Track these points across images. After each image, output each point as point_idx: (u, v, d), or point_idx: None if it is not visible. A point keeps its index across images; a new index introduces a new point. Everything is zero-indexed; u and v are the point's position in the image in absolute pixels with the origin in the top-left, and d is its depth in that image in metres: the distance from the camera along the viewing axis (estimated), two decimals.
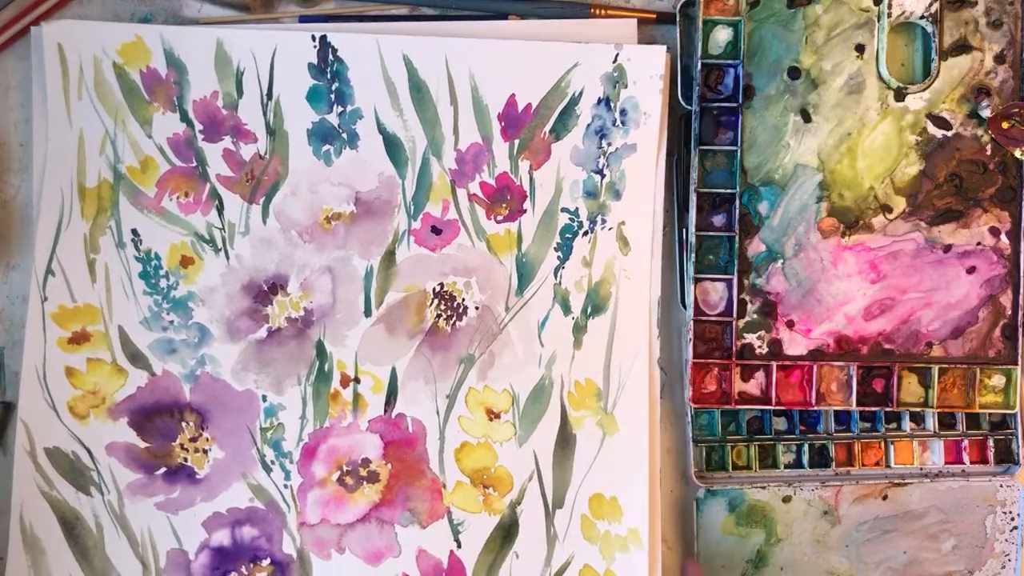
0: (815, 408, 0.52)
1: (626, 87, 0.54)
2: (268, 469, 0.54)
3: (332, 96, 0.55)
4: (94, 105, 0.54)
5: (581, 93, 0.54)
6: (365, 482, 0.54)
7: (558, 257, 0.55)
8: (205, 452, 0.54)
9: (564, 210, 0.55)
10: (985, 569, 0.53)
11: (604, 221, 0.55)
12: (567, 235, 0.55)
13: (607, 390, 0.54)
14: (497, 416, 0.55)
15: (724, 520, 0.54)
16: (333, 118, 0.55)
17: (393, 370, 0.55)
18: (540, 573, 0.54)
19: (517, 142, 0.55)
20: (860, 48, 0.50)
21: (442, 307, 0.55)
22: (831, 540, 0.53)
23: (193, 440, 0.54)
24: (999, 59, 0.49)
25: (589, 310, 0.55)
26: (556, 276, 0.55)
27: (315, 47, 0.54)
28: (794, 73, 0.51)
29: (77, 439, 0.53)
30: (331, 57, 0.54)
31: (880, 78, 0.50)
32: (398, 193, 0.55)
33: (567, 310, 0.55)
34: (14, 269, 0.56)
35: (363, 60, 0.54)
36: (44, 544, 0.52)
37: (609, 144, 0.55)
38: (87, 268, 0.54)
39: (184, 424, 0.54)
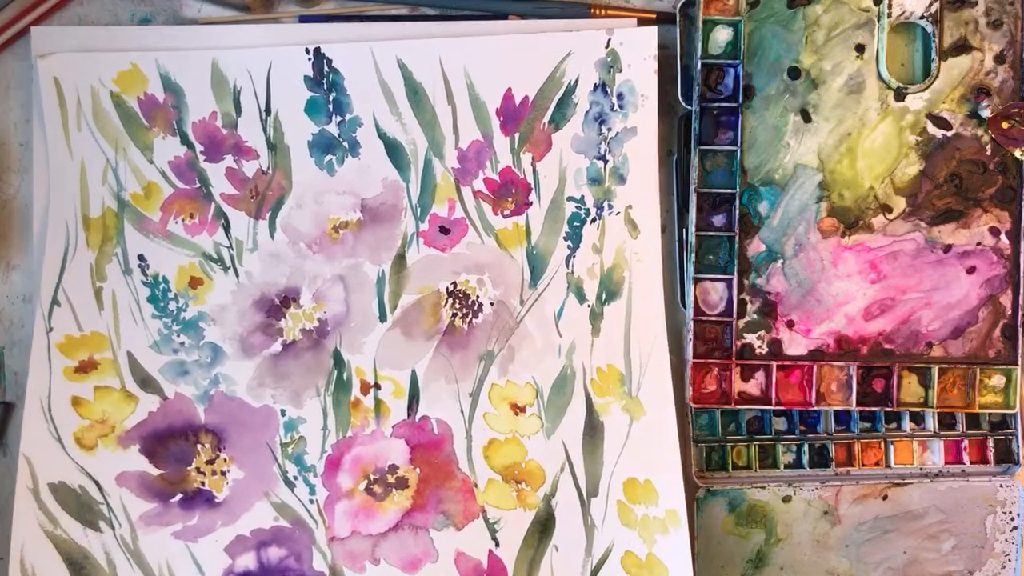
0: (815, 408, 0.44)
1: (620, 71, 0.46)
2: (291, 485, 0.43)
3: (330, 106, 0.46)
4: (94, 136, 0.45)
5: (577, 81, 0.46)
6: (394, 489, 0.43)
7: (568, 246, 0.46)
8: (223, 474, 0.43)
9: (570, 199, 0.46)
10: (985, 569, 0.45)
11: (611, 206, 0.46)
12: (575, 223, 0.46)
13: (630, 374, 0.45)
14: (522, 410, 0.45)
15: (724, 520, 0.46)
16: (333, 128, 0.46)
17: (413, 373, 0.45)
18: (582, 564, 0.44)
19: (517, 135, 0.46)
20: (860, 48, 0.43)
21: (457, 306, 0.45)
22: (831, 540, 0.45)
23: (210, 462, 0.43)
24: (999, 59, 0.43)
25: (604, 296, 0.46)
26: (568, 265, 0.46)
27: (310, 59, 0.46)
28: (794, 73, 0.44)
29: (84, 471, 0.43)
30: (326, 68, 0.46)
31: (880, 78, 0.43)
32: (403, 196, 0.46)
33: (582, 298, 0.46)
34: (14, 269, 0.47)
35: (358, 68, 0.46)
36: None
37: (609, 129, 0.46)
38: (94, 296, 0.44)
39: (200, 446, 0.44)
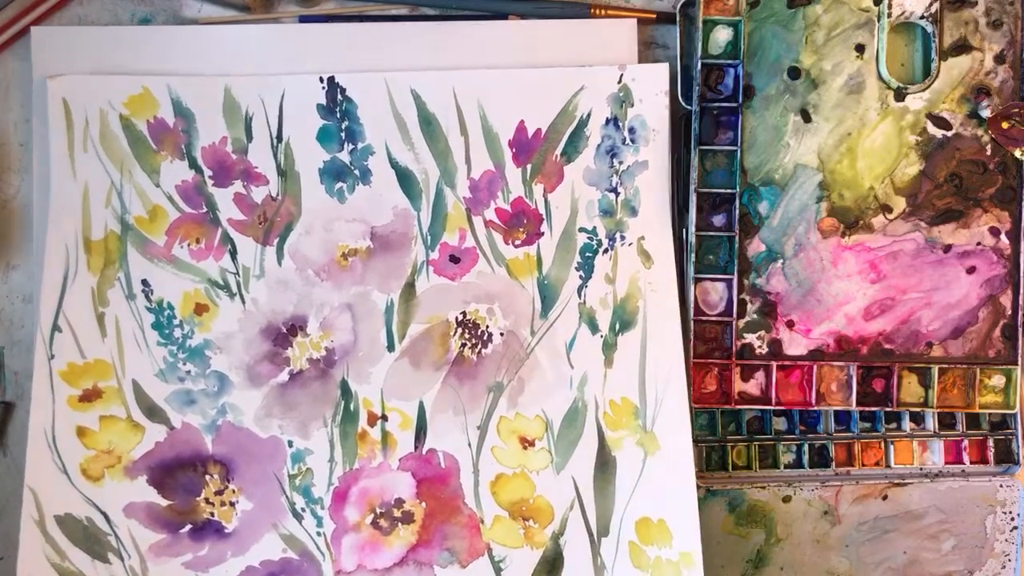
0: (815, 408, 0.43)
1: (632, 106, 0.44)
2: (299, 517, 0.42)
3: (343, 135, 0.44)
4: (99, 158, 0.43)
5: (589, 115, 0.44)
6: (400, 523, 0.42)
7: (580, 276, 0.44)
8: (232, 505, 0.42)
9: (582, 230, 0.44)
10: (985, 569, 0.44)
11: (623, 237, 0.44)
12: (587, 254, 0.44)
13: (644, 407, 0.43)
14: (531, 444, 0.43)
15: (724, 520, 0.45)
16: (344, 156, 0.44)
17: (421, 404, 0.43)
18: None
19: (529, 167, 0.44)
20: (860, 48, 0.42)
21: (466, 336, 0.44)
22: (831, 540, 0.44)
23: (219, 493, 0.42)
24: (999, 59, 0.42)
25: (617, 326, 0.44)
26: (580, 295, 0.44)
27: (323, 88, 0.43)
28: (794, 73, 0.43)
29: (91, 503, 0.41)
30: (340, 97, 0.44)
31: (880, 78, 0.42)
32: (414, 225, 0.44)
33: (594, 328, 0.44)
34: (14, 269, 0.45)
35: (372, 98, 0.44)
36: None
37: (620, 163, 0.44)
38: (96, 322, 0.42)
39: (208, 477, 0.42)
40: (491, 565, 0.42)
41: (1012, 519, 0.44)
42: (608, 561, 0.42)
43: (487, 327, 0.44)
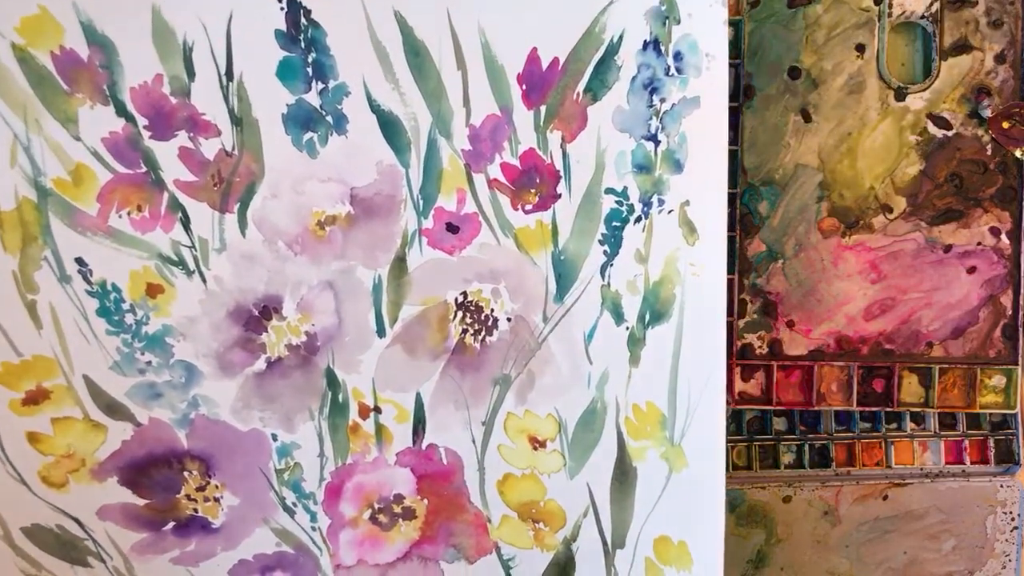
0: (815, 408, 0.38)
1: (679, 22, 0.30)
2: (291, 512, 0.34)
3: (309, 70, 0.30)
4: None
5: (621, 37, 0.30)
6: (401, 519, 0.34)
7: (605, 252, 0.33)
8: (217, 500, 0.34)
9: (609, 191, 0.32)
10: (985, 569, 0.41)
11: (662, 202, 0.32)
12: (614, 223, 0.32)
13: (673, 417, 0.33)
14: (543, 445, 0.34)
15: (724, 520, 0.37)
16: (313, 98, 0.30)
17: (418, 396, 0.34)
18: None
19: (544, 109, 0.31)
20: (860, 48, 0.37)
21: (468, 321, 0.33)
22: (831, 540, 0.40)
23: (200, 489, 0.34)
24: (1000, 59, 0.37)
25: (647, 317, 0.33)
26: (604, 276, 0.33)
27: (283, 9, 0.29)
28: (794, 73, 0.37)
29: (59, 510, 0.32)
30: (303, 21, 0.29)
31: (880, 78, 0.37)
32: (402, 186, 0.32)
33: (619, 318, 0.33)
34: None
35: (344, 22, 0.30)
36: None
37: (663, 100, 0.31)
38: (27, 312, 0.31)
39: (187, 473, 0.33)
40: (500, 563, 0.35)
41: (1013, 519, 0.40)
42: (623, 573, 0.34)
43: (492, 311, 0.33)
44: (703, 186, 0.31)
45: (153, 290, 0.32)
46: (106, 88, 0.30)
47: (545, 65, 0.31)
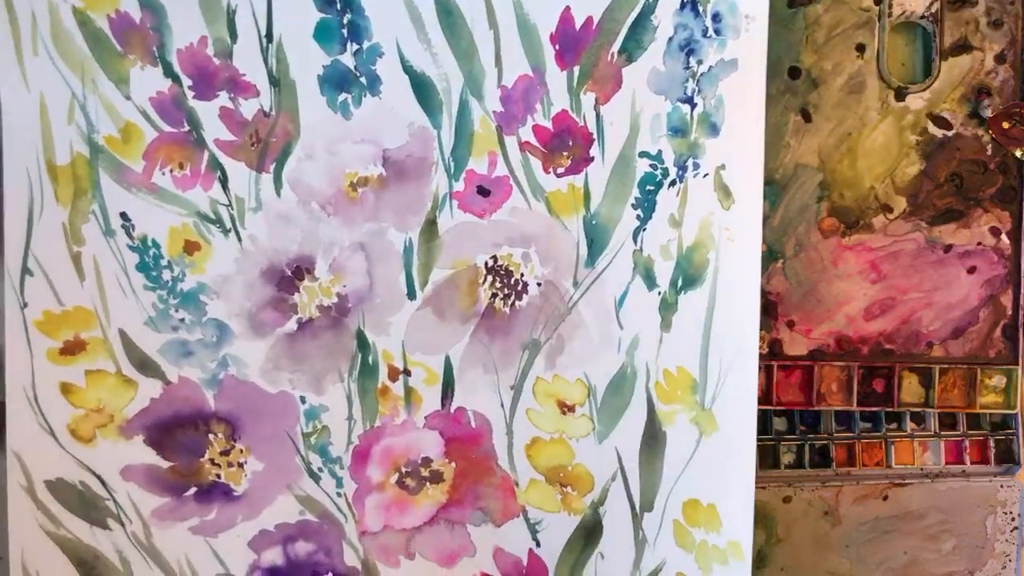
0: (815, 408, 0.37)
1: None
2: (316, 478, 0.33)
3: (344, 31, 0.31)
4: (54, 62, 0.31)
5: None
6: (428, 483, 0.33)
7: (638, 216, 0.32)
8: (240, 465, 0.33)
9: (643, 155, 0.32)
10: (985, 570, 0.40)
11: (697, 166, 0.31)
12: (648, 187, 0.32)
13: (704, 381, 0.32)
14: (571, 409, 0.33)
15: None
16: (348, 59, 0.31)
17: (447, 359, 0.33)
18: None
19: (577, 70, 0.31)
20: (860, 48, 0.36)
21: (497, 285, 0.33)
22: (831, 540, 0.39)
23: (225, 453, 0.33)
24: (1000, 59, 0.37)
25: (680, 282, 0.32)
26: (636, 241, 0.32)
27: None
28: (794, 73, 0.36)
29: (84, 466, 0.32)
30: None
31: (880, 78, 0.37)
32: (434, 148, 0.32)
33: (651, 283, 0.32)
34: None
35: None
36: None
37: (700, 62, 0.31)
38: (72, 264, 0.32)
39: (212, 436, 0.33)
40: (527, 526, 0.34)
41: (1013, 519, 0.39)
42: (651, 536, 0.33)
43: (522, 275, 0.33)
44: (739, 150, 0.31)
45: (190, 247, 0.32)
46: (155, 50, 0.31)
47: (579, 25, 0.31)
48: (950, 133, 0.37)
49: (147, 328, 0.33)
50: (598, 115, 0.32)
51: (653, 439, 0.33)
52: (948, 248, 0.37)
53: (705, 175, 0.31)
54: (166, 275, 0.33)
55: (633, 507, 0.33)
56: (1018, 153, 0.36)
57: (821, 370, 0.37)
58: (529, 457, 0.33)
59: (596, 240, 0.32)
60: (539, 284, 0.33)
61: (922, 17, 0.36)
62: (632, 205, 0.32)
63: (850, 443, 0.38)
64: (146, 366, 0.33)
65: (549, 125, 0.32)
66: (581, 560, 0.34)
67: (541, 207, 0.32)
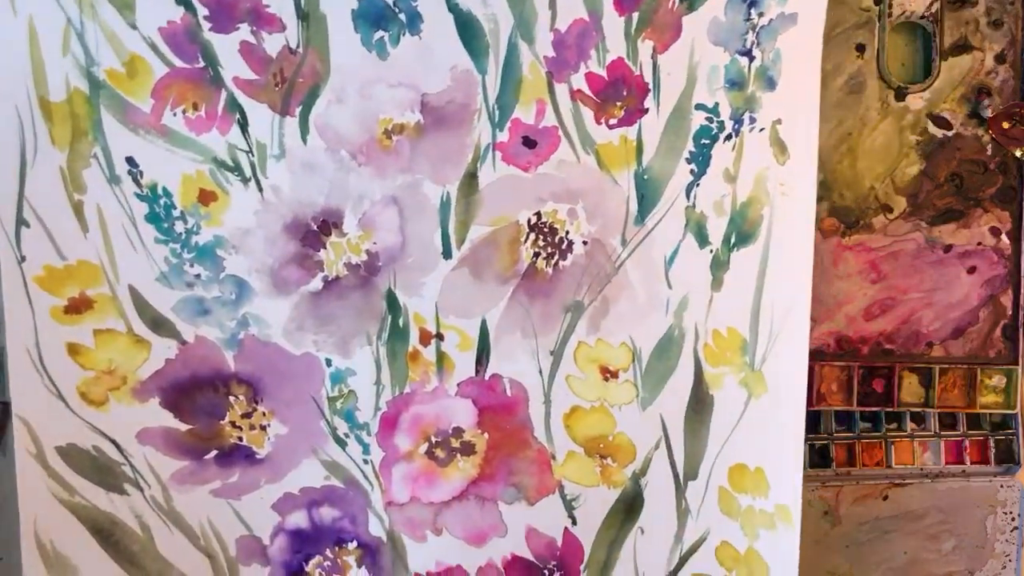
0: (815, 408, 0.37)
1: None
2: (342, 443, 0.32)
3: None
4: None
5: None
6: (459, 455, 0.32)
7: (692, 171, 0.30)
8: (263, 428, 0.32)
9: (700, 107, 0.30)
10: (985, 570, 0.40)
11: (753, 120, 0.30)
12: (703, 141, 0.30)
13: (755, 341, 0.31)
14: (614, 375, 0.32)
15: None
16: None
17: (483, 323, 0.31)
18: (670, 550, 0.33)
19: (636, 16, 0.29)
20: (860, 48, 0.36)
21: (540, 243, 0.31)
22: (831, 540, 0.39)
23: (247, 416, 0.31)
24: (1000, 59, 0.37)
25: (733, 239, 0.31)
26: (689, 196, 0.31)
27: None
28: None
29: (97, 430, 0.30)
30: None
31: (880, 78, 0.36)
32: (477, 94, 0.29)
33: (703, 240, 0.31)
34: None
35: None
36: (75, 561, 0.31)
37: (760, 15, 0.29)
38: (73, 213, 0.29)
39: (232, 398, 0.31)
40: (563, 503, 0.33)
41: (1013, 519, 0.39)
42: (693, 506, 0.33)
43: (567, 233, 0.31)
44: (795, 105, 0.30)
45: (206, 197, 0.30)
46: None
47: None
48: (950, 133, 0.36)
49: (159, 284, 0.30)
50: (655, 65, 0.30)
51: (700, 403, 0.32)
52: (948, 248, 0.37)
53: (761, 129, 0.30)
54: (179, 227, 0.30)
55: (676, 476, 0.33)
56: (1018, 153, 0.36)
57: (821, 370, 0.36)
58: (567, 427, 0.32)
59: (647, 196, 0.31)
60: (585, 242, 0.31)
61: (922, 17, 0.36)
62: (686, 159, 0.30)
63: (850, 443, 0.38)
64: (159, 325, 0.30)
65: (603, 73, 0.30)
66: (620, 537, 0.33)
67: (591, 160, 0.30)
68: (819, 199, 0.35)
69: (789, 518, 0.31)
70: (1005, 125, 0.36)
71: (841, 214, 0.36)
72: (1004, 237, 0.38)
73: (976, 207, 0.37)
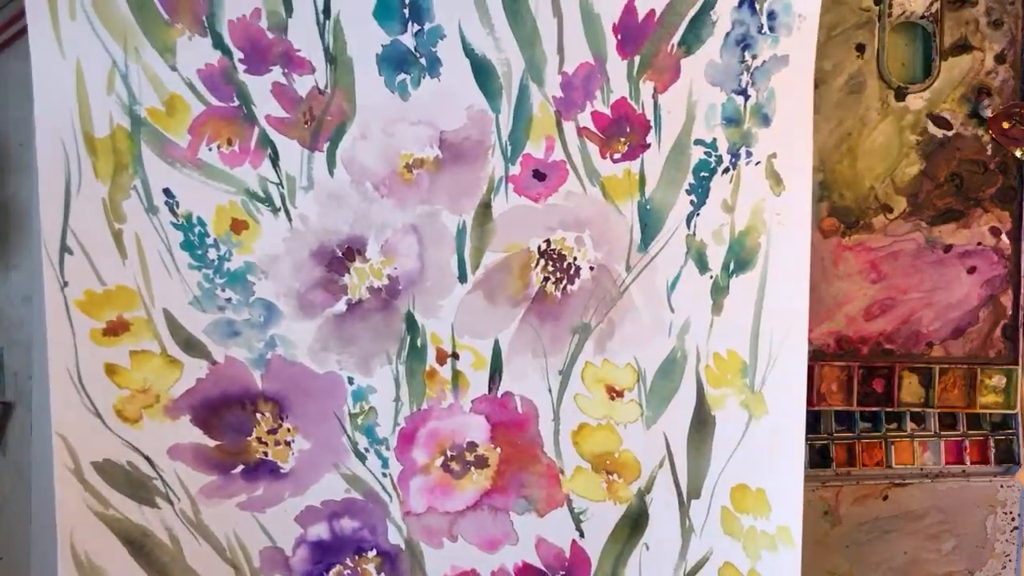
0: (815, 408, 0.37)
1: None
2: (362, 458, 0.34)
3: (406, 11, 0.30)
4: (94, 28, 0.29)
5: None
6: (473, 468, 0.34)
7: (692, 202, 0.33)
8: (288, 444, 0.33)
9: (698, 142, 0.32)
10: (985, 569, 0.40)
11: (750, 154, 0.32)
12: (702, 174, 0.33)
13: (755, 364, 0.33)
14: (620, 395, 0.34)
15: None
16: (408, 39, 0.30)
17: (496, 343, 0.34)
18: (674, 568, 0.35)
19: (638, 59, 0.32)
20: (861, 48, 0.36)
21: (550, 268, 0.33)
22: (831, 540, 0.39)
23: (272, 432, 0.33)
24: (1000, 59, 0.37)
25: (732, 266, 0.33)
26: (689, 225, 0.33)
27: None
28: None
29: (131, 446, 0.32)
30: None
31: (880, 78, 0.36)
32: (491, 131, 0.32)
33: (704, 267, 0.33)
34: (14, 269, 0.35)
35: None
36: (108, 571, 0.32)
37: (754, 57, 0.31)
38: (113, 241, 0.31)
39: (259, 415, 0.33)
40: (571, 516, 0.34)
41: (1013, 519, 0.39)
42: (697, 524, 0.34)
43: (574, 259, 0.33)
44: (789, 139, 0.32)
45: (238, 226, 0.32)
46: (205, 20, 0.30)
47: (641, 16, 0.31)
48: (950, 133, 0.36)
49: (192, 308, 0.32)
50: (656, 103, 0.32)
51: (702, 423, 0.34)
52: (948, 248, 0.37)
53: (757, 163, 0.32)
54: (212, 254, 0.32)
55: (680, 494, 0.34)
56: (1018, 153, 0.36)
57: (821, 370, 0.36)
58: (576, 444, 0.34)
59: (650, 224, 0.33)
60: (591, 268, 0.33)
61: (922, 17, 0.36)
62: (686, 191, 0.33)
63: (850, 443, 0.38)
64: (191, 346, 0.32)
65: (608, 112, 0.32)
66: (625, 552, 0.35)
67: (596, 192, 0.33)
68: (819, 199, 0.36)
69: (790, 540, 0.33)
70: (1005, 125, 0.36)
71: (841, 214, 0.36)
72: (1004, 237, 0.37)
73: (976, 207, 0.37)
